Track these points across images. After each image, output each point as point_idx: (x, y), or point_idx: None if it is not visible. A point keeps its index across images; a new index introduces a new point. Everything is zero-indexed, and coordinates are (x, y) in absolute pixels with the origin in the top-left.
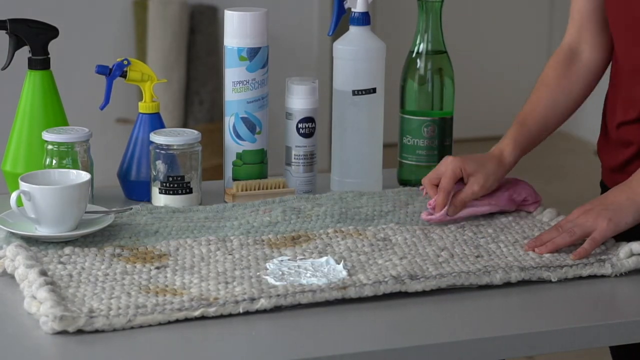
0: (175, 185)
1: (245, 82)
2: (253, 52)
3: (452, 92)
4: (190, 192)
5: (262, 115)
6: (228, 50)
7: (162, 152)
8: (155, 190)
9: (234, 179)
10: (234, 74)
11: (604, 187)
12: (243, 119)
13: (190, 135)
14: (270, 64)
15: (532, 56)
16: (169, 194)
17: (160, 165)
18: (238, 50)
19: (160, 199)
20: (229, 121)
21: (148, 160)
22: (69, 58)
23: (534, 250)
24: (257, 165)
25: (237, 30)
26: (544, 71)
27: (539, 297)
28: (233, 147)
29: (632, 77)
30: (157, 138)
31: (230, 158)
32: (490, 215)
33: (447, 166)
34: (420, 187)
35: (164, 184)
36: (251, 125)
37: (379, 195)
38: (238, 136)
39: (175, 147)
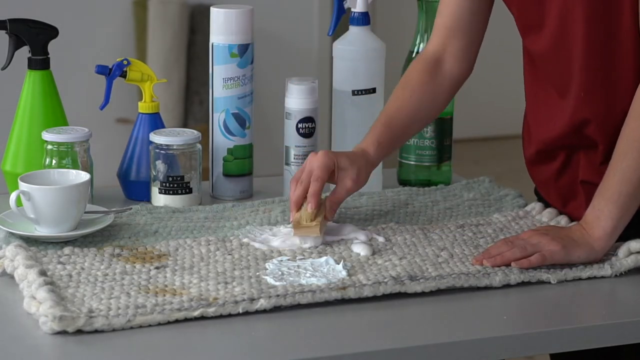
0: (175, 185)
1: (236, 79)
2: (243, 49)
3: None
4: (190, 192)
5: (250, 111)
6: (217, 47)
7: (162, 152)
8: (155, 190)
9: (225, 175)
10: (224, 71)
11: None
12: (234, 114)
13: (190, 135)
14: (271, 63)
15: None
16: (169, 194)
17: (160, 165)
18: (229, 47)
19: (160, 199)
20: (219, 117)
21: (148, 160)
22: (69, 58)
23: (481, 263)
24: (246, 160)
25: (226, 27)
26: (408, 74)
27: (539, 298)
28: (223, 142)
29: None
30: (157, 138)
31: (219, 154)
32: (490, 215)
33: (319, 160)
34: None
35: (164, 184)
36: (242, 120)
37: (379, 195)
38: (229, 132)
39: (175, 147)
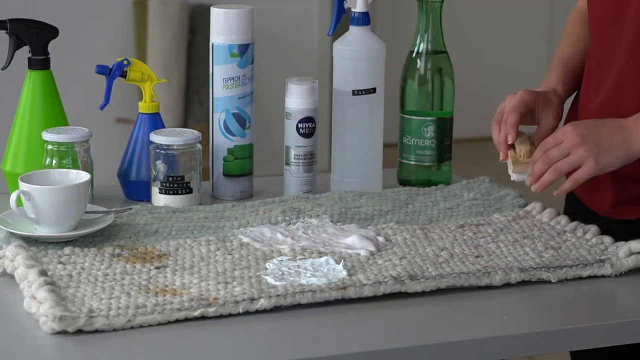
0: (175, 185)
1: (236, 79)
2: (243, 49)
3: (452, 92)
4: (190, 192)
5: (250, 111)
6: (217, 47)
7: (162, 152)
8: (155, 190)
9: (225, 175)
10: (224, 71)
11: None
12: (234, 114)
13: (190, 135)
14: (271, 63)
15: (532, 56)
16: (169, 193)
17: (160, 165)
18: (229, 47)
19: (160, 199)
20: (219, 117)
21: (148, 160)
22: (69, 58)
23: (536, 190)
24: (246, 160)
25: (226, 27)
26: (571, 26)
27: (539, 297)
28: (223, 142)
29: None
30: (157, 138)
31: (220, 154)
32: (490, 215)
33: (514, 101)
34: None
35: (164, 184)
36: (242, 120)
37: (379, 195)
38: (229, 132)
39: (175, 147)
